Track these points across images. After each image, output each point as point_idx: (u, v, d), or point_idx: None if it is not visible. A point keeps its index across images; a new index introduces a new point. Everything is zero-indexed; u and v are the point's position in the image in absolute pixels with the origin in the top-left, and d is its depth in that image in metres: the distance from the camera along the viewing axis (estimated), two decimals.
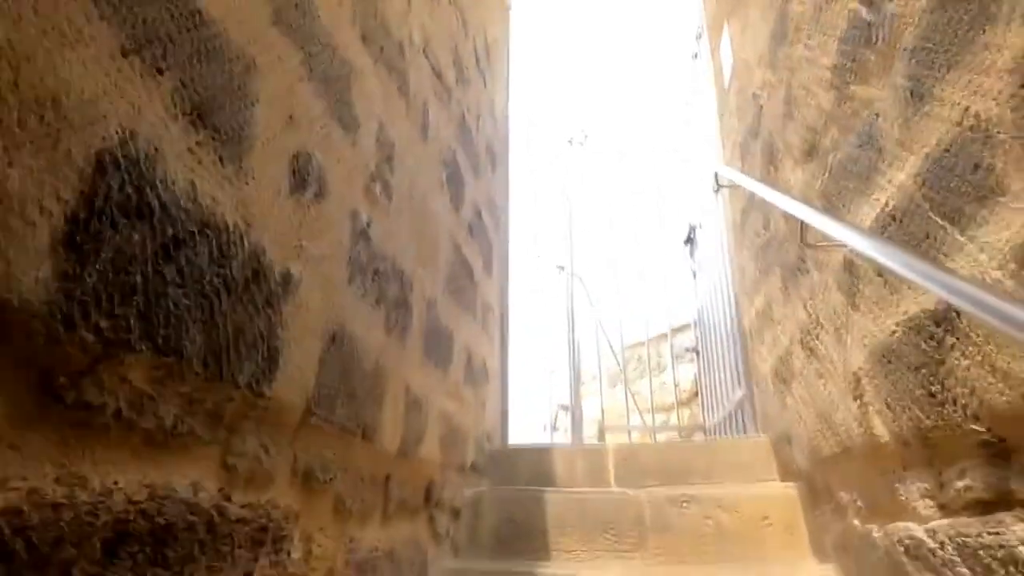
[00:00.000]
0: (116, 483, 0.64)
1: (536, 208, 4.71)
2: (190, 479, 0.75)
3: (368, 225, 1.29)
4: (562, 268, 3.73)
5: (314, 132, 1.07)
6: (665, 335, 3.98)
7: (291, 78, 1.00)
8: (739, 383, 2.67)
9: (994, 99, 0.89)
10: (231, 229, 0.82)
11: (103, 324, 0.61)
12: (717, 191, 2.83)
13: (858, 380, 1.42)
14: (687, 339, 3.86)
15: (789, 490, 1.93)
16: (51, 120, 0.56)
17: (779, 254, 2.04)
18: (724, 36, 2.73)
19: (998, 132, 0.89)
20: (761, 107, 2.17)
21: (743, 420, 2.62)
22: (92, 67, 0.61)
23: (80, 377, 0.60)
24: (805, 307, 1.79)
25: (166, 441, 0.71)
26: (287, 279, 0.96)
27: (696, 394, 3.79)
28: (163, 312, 0.69)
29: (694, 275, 3.75)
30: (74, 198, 0.58)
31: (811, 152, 1.67)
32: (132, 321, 0.65)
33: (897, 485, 1.29)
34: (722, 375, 3.03)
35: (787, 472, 2.06)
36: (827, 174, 1.56)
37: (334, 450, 1.15)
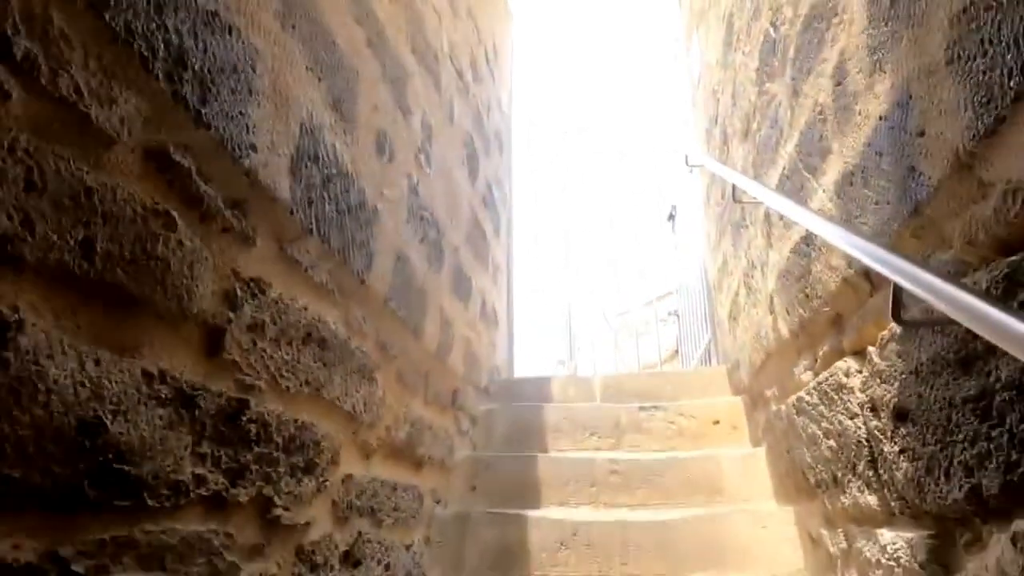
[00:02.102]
0: (306, 306, 1.16)
1: (537, 202, 5.23)
2: (333, 318, 1.28)
3: (417, 183, 1.81)
4: (558, 247, 4.24)
5: (387, 117, 1.59)
6: (651, 302, 4.50)
7: (375, 81, 1.52)
8: (706, 330, 3.19)
9: (825, 93, 1.41)
10: (349, 175, 1.34)
11: (303, 217, 1.13)
12: (691, 171, 3.34)
13: (771, 298, 1.94)
14: (670, 304, 4.38)
15: (736, 401, 2.45)
16: (282, 104, 1.08)
17: (730, 216, 2.56)
18: (694, 41, 3.23)
19: (827, 114, 1.40)
20: (718, 100, 2.68)
21: (709, 361, 3.15)
22: (296, 75, 1.13)
23: (291, 244, 1.12)
24: (745, 255, 2.31)
25: (322, 292, 1.24)
26: (375, 211, 1.48)
27: (676, 352, 4.32)
28: (323, 216, 1.21)
29: (676, 247, 4.26)
30: (292, 147, 1.10)
31: (746, 133, 2.19)
32: (312, 218, 1.17)
33: (793, 369, 1.81)
34: (696, 329, 3.56)
35: (737, 390, 2.59)
36: (755, 150, 2.08)
37: (397, 336, 1.67)
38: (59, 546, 0.63)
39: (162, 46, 0.76)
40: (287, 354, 1.08)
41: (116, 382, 0.70)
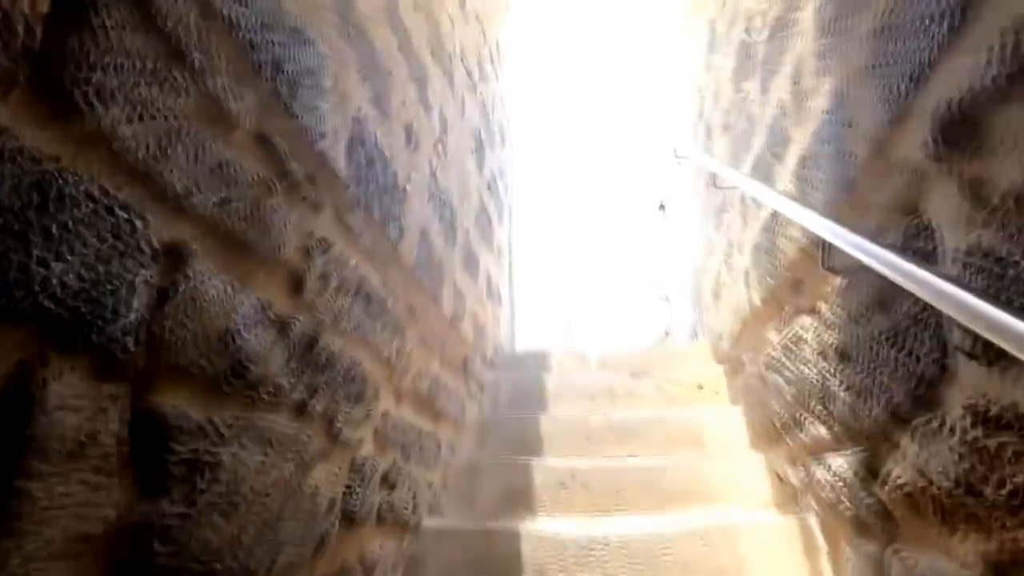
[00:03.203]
0: (357, 265, 1.41)
1: (536, 197, 5.49)
2: (375, 279, 1.53)
3: (436, 170, 2.06)
4: (556, 241, 4.50)
5: (413, 111, 1.84)
6: (644, 289, 4.77)
7: (404, 80, 1.77)
8: (693, 311, 3.46)
9: (785, 91, 1.67)
10: (386, 159, 1.60)
11: (354, 192, 1.38)
12: (679, 163, 3.60)
13: (746, 272, 2.20)
14: (661, 290, 4.66)
15: (718, 369, 2.72)
16: (341, 100, 1.33)
17: (713, 202, 2.82)
18: (686, 43, 3.49)
19: (788, 109, 1.66)
20: (703, 97, 2.94)
21: (696, 339, 3.42)
22: (349, 76, 1.38)
23: (346, 213, 1.37)
24: (726, 236, 2.58)
25: (367, 255, 1.49)
26: (404, 191, 1.73)
27: (667, 334, 4.59)
28: (368, 192, 1.46)
29: (667, 236, 4.53)
30: (348, 135, 1.35)
31: (726, 128, 2.45)
32: (361, 193, 1.42)
33: (764, 332, 2.08)
34: (684, 311, 3.83)
35: (719, 360, 2.86)
36: (734, 142, 2.34)
37: (420, 302, 1.93)
38: (213, 415, 0.88)
39: (268, 56, 1.01)
40: (344, 301, 1.33)
41: (242, 304, 0.96)
